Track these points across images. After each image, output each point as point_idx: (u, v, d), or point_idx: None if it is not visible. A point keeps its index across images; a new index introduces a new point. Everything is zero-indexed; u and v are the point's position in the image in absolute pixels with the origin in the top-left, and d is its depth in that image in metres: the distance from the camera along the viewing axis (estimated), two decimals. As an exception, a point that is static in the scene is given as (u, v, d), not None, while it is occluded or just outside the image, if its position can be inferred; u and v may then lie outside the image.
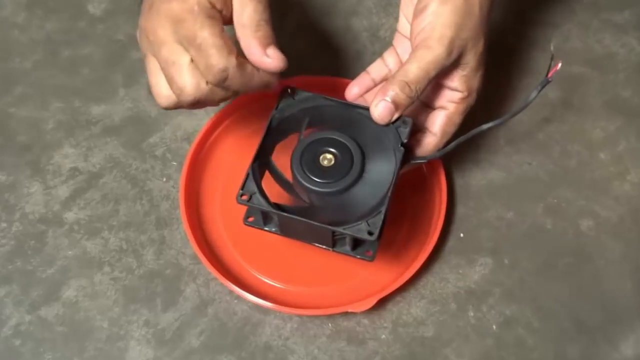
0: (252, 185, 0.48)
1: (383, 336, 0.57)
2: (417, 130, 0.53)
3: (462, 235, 0.61)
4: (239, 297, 0.58)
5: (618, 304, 0.58)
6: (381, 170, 0.48)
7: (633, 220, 0.61)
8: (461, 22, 0.48)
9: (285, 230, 0.51)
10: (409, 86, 0.47)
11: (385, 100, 0.47)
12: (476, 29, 0.49)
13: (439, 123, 0.52)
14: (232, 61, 0.44)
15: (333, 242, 0.50)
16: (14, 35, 0.72)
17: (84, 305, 0.58)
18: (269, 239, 0.55)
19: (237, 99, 0.63)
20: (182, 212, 0.59)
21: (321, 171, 0.48)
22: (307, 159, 0.49)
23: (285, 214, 0.47)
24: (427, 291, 0.59)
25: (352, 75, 0.57)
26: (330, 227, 0.46)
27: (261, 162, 0.49)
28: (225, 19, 0.46)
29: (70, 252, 0.61)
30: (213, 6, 0.45)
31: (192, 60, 0.44)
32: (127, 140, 0.66)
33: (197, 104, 0.46)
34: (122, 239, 0.61)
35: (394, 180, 0.47)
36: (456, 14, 0.47)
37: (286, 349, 0.57)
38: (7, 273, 0.60)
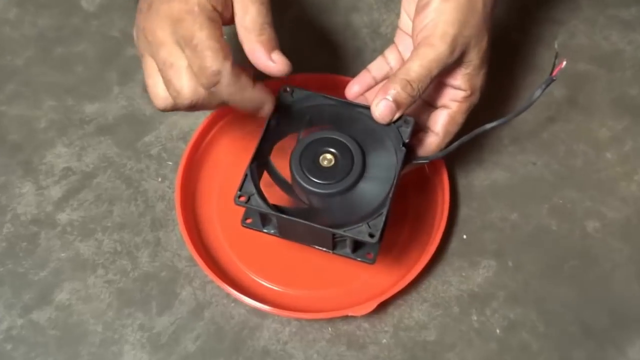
0: (250, 187, 0.48)
1: (384, 340, 0.57)
2: (419, 129, 0.53)
3: (465, 237, 0.62)
4: (236, 301, 0.58)
5: (625, 307, 0.58)
6: (382, 171, 0.48)
7: (640, 222, 0.62)
8: (464, 19, 0.48)
9: (284, 233, 0.51)
10: (411, 85, 0.47)
11: (386, 99, 0.48)
12: (479, 26, 0.49)
13: (442, 122, 0.52)
14: (227, 66, 0.44)
15: (333, 244, 0.50)
16: (5, 31, 0.72)
17: (77, 309, 0.59)
18: (268, 241, 0.55)
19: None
20: (178, 213, 0.59)
21: (321, 172, 0.48)
22: (306, 159, 0.49)
23: (285, 216, 0.47)
24: (429, 294, 0.59)
25: (353, 73, 0.57)
26: (330, 229, 0.46)
27: (259, 163, 0.49)
28: (225, 20, 0.46)
29: (63, 254, 0.61)
30: (214, 8, 0.45)
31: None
32: (122, 140, 0.66)
33: (194, 107, 0.47)
34: (116, 240, 0.61)
35: (395, 181, 0.47)
36: (459, 11, 0.48)
37: (285, 353, 0.57)
38: (-1, 276, 0.60)
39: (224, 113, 0.64)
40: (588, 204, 0.63)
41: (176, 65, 0.45)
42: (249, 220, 0.52)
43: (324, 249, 0.51)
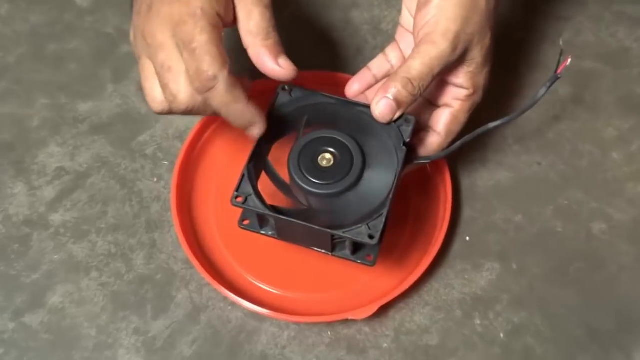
0: (247, 187, 0.48)
1: (385, 345, 0.58)
2: (421, 129, 0.53)
3: (468, 239, 0.62)
4: (233, 304, 0.58)
5: (632, 311, 0.58)
6: (382, 171, 0.48)
7: (647, 224, 0.62)
8: (467, 15, 0.48)
9: (283, 234, 0.52)
10: (412, 83, 0.47)
11: (387, 97, 0.48)
12: (482, 22, 0.49)
13: (444, 121, 0.52)
14: (224, 73, 0.44)
15: (332, 246, 0.50)
16: (-3, 28, 0.72)
17: (71, 312, 0.59)
18: (266, 243, 0.55)
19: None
20: (173, 215, 0.59)
21: (320, 172, 0.48)
22: (305, 159, 0.49)
23: (282, 217, 0.47)
24: (432, 298, 0.59)
25: (353, 71, 0.57)
26: (329, 230, 0.46)
27: (257, 163, 0.49)
28: (225, 24, 0.47)
29: (56, 256, 0.61)
30: (217, 13, 0.45)
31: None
32: (116, 139, 0.66)
33: (189, 113, 0.47)
34: (110, 242, 0.62)
35: (395, 182, 0.48)
36: (461, 7, 0.48)
37: (283, 358, 0.57)
38: (-10, 278, 0.60)
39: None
40: (594, 205, 0.63)
41: (174, 70, 0.45)
42: (246, 222, 0.52)
43: (323, 251, 0.51)
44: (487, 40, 0.50)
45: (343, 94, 0.54)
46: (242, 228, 0.52)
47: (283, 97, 0.51)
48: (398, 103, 0.48)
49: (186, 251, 0.57)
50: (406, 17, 0.54)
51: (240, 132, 0.64)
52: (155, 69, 0.46)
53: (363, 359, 0.57)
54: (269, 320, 0.58)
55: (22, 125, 0.67)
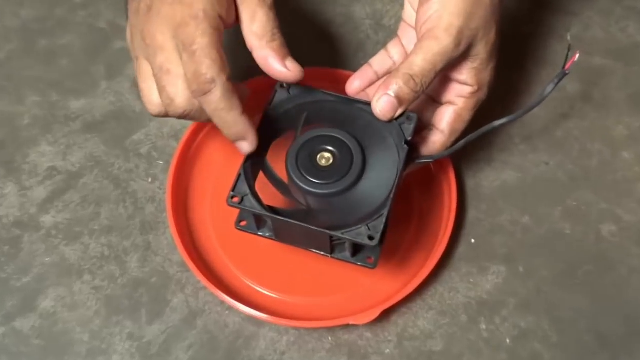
0: (244, 187, 0.48)
1: (387, 351, 0.58)
2: (423, 127, 0.53)
3: (473, 241, 0.62)
4: (230, 308, 0.59)
5: (643, 315, 0.59)
6: (383, 170, 0.49)
7: (659, 225, 0.62)
8: (470, 10, 0.48)
9: (281, 235, 0.52)
10: (414, 80, 0.48)
11: (388, 94, 0.48)
12: (487, 17, 0.49)
13: (447, 119, 0.52)
14: (223, 78, 0.45)
15: (331, 247, 0.50)
16: (-13, 23, 0.73)
17: (63, 317, 0.59)
18: (264, 245, 0.55)
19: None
20: (169, 216, 0.59)
21: (319, 171, 0.49)
22: (303, 158, 0.49)
23: (280, 218, 0.47)
24: (436, 302, 0.60)
25: (353, 68, 0.58)
26: (327, 231, 0.47)
27: (254, 162, 0.49)
28: (226, 26, 0.47)
29: (47, 259, 0.61)
30: (219, 15, 0.46)
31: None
32: (110, 138, 0.67)
33: (186, 117, 0.48)
34: (103, 244, 0.62)
35: (397, 181, 0.48)
36: (465, 2, 0.48)
37: (282, 364, 0.57)
38: (-21, 282, 0.61)
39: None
40: (603, 207, 0.63)
41: (173, 73, 0.46)
42: (243, 223, 0.52)
43: (322, 253, 0.51)
44: (491, 36, 0.50)
45: (343, 91, 0.54)
46: (239, 229, 0.52)
47: (281, 95, 0.52)
48: (400, 100, 0.48)
49: (182, 253, 0.58)
50: (409, 12, 0.55)
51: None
52: (153, 71, 0.47)
53: (364, 364, 0.57)
54: (268, 325, 0.58)
55: (12, 123, 0.67)
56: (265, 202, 0.48)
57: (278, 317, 0.56)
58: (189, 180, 0.64)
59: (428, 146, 0.53)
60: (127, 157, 0.66)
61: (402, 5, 0.56)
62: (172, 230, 0.59)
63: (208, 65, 0.44)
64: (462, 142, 0.52)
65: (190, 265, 0.57)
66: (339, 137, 0.50)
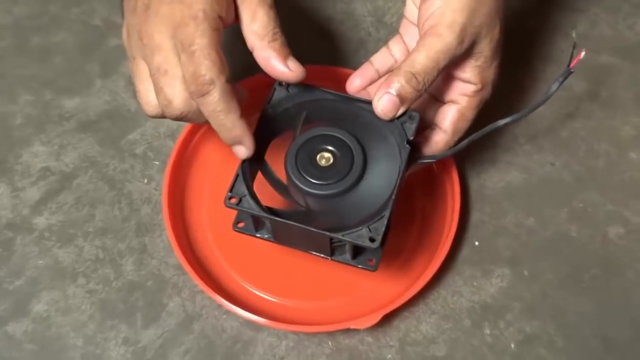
0: (241, 187, 0.48)
1: (389, 356, 0.58)
2: (425, 126, 0.53)
3: (477, 243, 0.62)
4: (228, 312, 0.59)
5: (650, 320, 0.59)
6: (385, 171, 0.49)
7: (667, 227, 0.62)
8: (474, 6, 0.48)
9: (279, 237, 0.52)
10: (416, 78, 0.48)
11: (389, 93, 0.48)
12: (491, 14, 0.49)
13: (450, 119, 0.52)
14: (222, 80, 0.45)
15: (331, 249, 0.50)
16: (-21, 20, 0.73)
17: (56, 321, 0.59)
18: (262, 247, 0.56)
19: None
20: (165, 217, 0.59)
21: (318, 172, 0.49)
22: (302, 158, 0.49)
23: (279, 219, 0.47)
24: (438, 306, 0.60)
25: (354, 66, 0.58)
26: (327, 233, 0.46)
27: (252, 162, 0.49)
28: (225, 26, 0.47)
29: (40, 262, 0.61)
30: (218, 15, 0.46)
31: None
32: (104, 137, 0.67)
33: (184, 119, 0.48)
34: (98, 247, 0.62)
35: (398, 182, 0.48)
36: (468, -2, 0.48)
37: (280, 369, 0.57)
38: (-29, 285, 0.60)
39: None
40: (610, 208, 0.63)
41: (170, 73, 0.46)
42: (241, 224, 0.52)
43: (322, 255, 0.51)
44: (495, 33, 0.50)
45: (344, 90, 0.54)
46: (237, 231, 0.52)
47: (280, 93, 0.51)
48: (401, 99, 0.48)
49: (178, 256, 0.57)
50: (410, 9, 0.55)
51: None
52: (150, 71, 0.47)
53: (365, 370, 0.57)
54: (266, 329, 0.58)
55: (5, 122, 0.67)
56: (264, 203, 0.48)
57: (277, 322, 0.56)
58: (186, 181, 0.64)
59: (430, 146, 0.52)
60: (122, 157, 0.66)
61: (403, 2, 0.56)
62: (168, 232, 0.59)
63: (207, 66, 0.44)
64: (465, 142, 0.52)
65: (187, 268, 0.57)
66: (339, 136, 0.50)
